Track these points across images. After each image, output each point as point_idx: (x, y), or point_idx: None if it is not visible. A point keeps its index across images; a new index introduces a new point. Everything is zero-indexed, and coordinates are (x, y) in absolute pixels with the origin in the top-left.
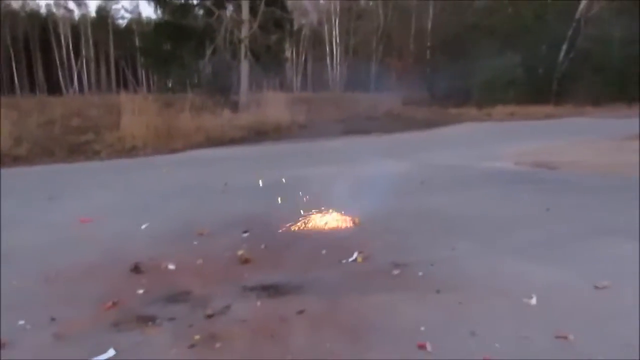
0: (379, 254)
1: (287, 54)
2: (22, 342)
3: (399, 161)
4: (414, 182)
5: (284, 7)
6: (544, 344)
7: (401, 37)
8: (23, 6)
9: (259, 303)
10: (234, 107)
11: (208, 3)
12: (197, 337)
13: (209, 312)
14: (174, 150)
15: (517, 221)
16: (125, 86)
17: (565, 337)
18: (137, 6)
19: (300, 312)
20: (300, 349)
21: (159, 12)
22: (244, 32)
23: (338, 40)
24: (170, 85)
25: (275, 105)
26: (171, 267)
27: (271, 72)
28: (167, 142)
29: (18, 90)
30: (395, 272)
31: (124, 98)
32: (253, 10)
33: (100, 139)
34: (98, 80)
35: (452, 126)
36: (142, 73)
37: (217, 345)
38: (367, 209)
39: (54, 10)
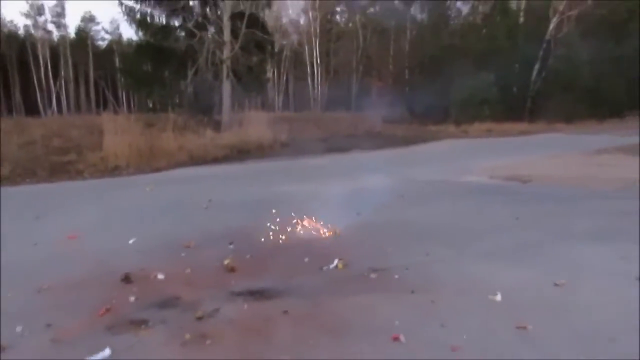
0: (358, 261)
1: (269, 74)
2: (21, 346)
3: (379, 177)
4: (394, 195)
5: (264, 29)
6: (506, 334)
7: (380, 58)
8: (0, 27)
9: (245, 306)
10: (217, 126)
11: (190, 25)
12: (188, 336)
13: (199, 314)
14: (157, 170)
15: (488, 229)
16: (105, 107)
17: (525, 328)
18: (117, 27)
19: (285, 312)
20: (285, 345)
21: (140, 33)
22: (226, 53)
23: (319, 61)
24: (151, 105)
25: (257, 125)
26: (160, 276)
27: (253, 92)
28: (150, 162)
29: None
30: (373, 275)
31: (106, 118)
32: (234, 32)
33: (82, 159)
34: (77, 101)
35: (431, 143)
36: (122, 93)
37: (208, 342)
38: (348, 221)
39: (32, 31)
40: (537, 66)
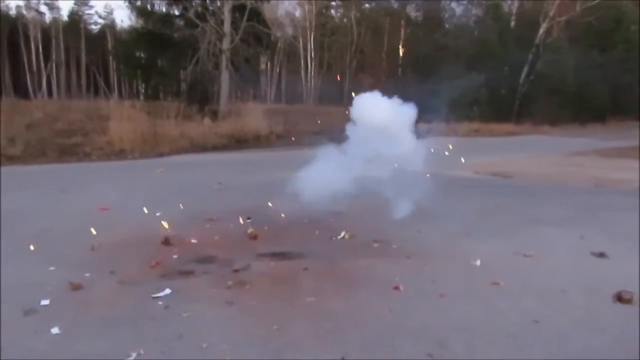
0: (362, 234)
1: (262, 66)
2: (94, 286)
3: (375, 168)
4: (388, 183)
5: (264, 22)
6: (482, 288)
7: (374, 54)
8: None
9: (272, 263)
10: (214, 115)
11: (191, 15)
12: (230, 282)
13: (235, 267)
14: (160, 155)
15: (470, 214)
16: (96, 92)
17: (498, 284)
18: (110, 12)
19: (305, 269)
20: (308, 292)
21: (137, 20)
22: (226, 44)
23: (312, 55)
24: (149, 93)
25: (253, 116)
26: (194, 241)
27: (249, 83)
28: (153, 147)
29: None
30: (376, 245)
31: (109, 104)
32: (234, 24)
33: (89, 142)
34: (68, 86)
35: (421, 140)
36: (114, 80)
37: (247, 287)
38: (348, 202)
39: (25, 12)
40: (525, 69)
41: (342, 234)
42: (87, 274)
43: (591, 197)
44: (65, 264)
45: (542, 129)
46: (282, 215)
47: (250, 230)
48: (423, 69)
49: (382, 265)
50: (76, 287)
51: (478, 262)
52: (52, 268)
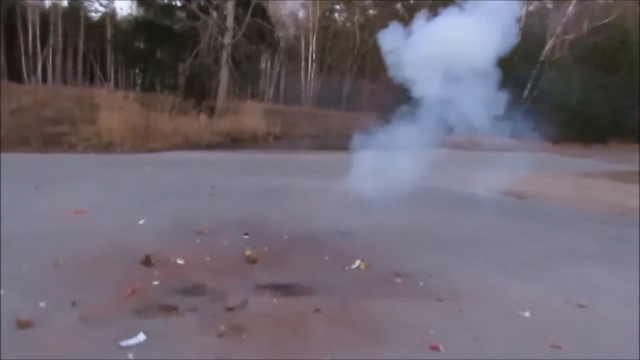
0: (378, 263)
1: (262, 64)
2: (49, 322)
3: (380, 180)
4: (397, 199)
5: (268, 19)
6: (541, 351)
7: (375, 60)
8: None
9: (275, 300)
10: (210, 112)
11: (193, 7)
12: (222, 327)
13: (229, 305)
14: (152, 150)
15: (496, 241)
16: (92, 80)
17: (559, 347)
18: (111, 1)
19: (316, 310)
20: (322, 344)
21: (138, 9)
22: (227, 39)
23: (314, 57)
24: (145, 84)
25: (250, 114)
26: (180, 261)
27: (249, 81)
28: (144, 141)
29: None
30: (398, 280)
31: (101, 93)
32: (237, 19)
33: (76, 132)
34: (64, 72)
35: (422, 148)
36: (111, 69)
37: (244, 335)
38: (359, 221)
39: None
40: (529, 85)
41: (357, 263)
42: (43, 303)
43: (617, 227)
44: (19, 285)
45: (543, 146)
46: (285, 236)
47: (248, 253)
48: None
49: (411, 309)
50: (24, 325)
51: (527, 314)
52: (1, 292)
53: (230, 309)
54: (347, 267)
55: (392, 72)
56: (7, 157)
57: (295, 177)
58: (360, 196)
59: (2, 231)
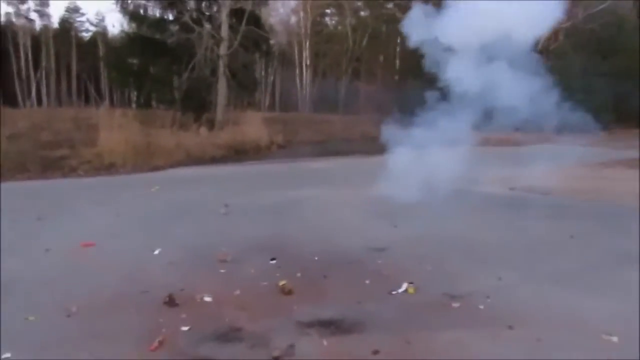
0: (425, 284)
1: (257, 73)
2: None
3: (394, 184)
4: (420, 205)
5: (262, 27)
6: None
7: (370, 61)
8: None
9: (325, 342)
10: (210, 125)
11: (187, 19)
12: None
13: (276, 353)
14: (155, 168)
15: (539, 247)
16: (87, 100)
17: None
18: (102, 19)
19: (375, 352)
20: None
21: (130, 25)
22: (223, 49)
23: (308, 62)
24: (141, 101)
25: (251, 124)
26: (208, 298)
27: (247, 90)
28: (147, 160)
29: None
30: (455, 304)
31: (99, 113)
32: (232, 28)
33: (76, 155)
34: (58, 94)
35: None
36: (105, 87)
37: None
38: (387, 233)
39: (14, 19)
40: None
41: (404, 286)
42: None
43: None
44: (25, 343)
45: (549, 137)
46: (316, 258)
47: (282, 283)
48: (423, 76)
49: (480, 341)
50: None
51: (615, 339)
52: (5, 355)
53: (276, 359)
54: (393, 292)
55: (427, 62)
56: (5, 186)
57: (309, 188)
58: (388, 204)
59: (2, 274)
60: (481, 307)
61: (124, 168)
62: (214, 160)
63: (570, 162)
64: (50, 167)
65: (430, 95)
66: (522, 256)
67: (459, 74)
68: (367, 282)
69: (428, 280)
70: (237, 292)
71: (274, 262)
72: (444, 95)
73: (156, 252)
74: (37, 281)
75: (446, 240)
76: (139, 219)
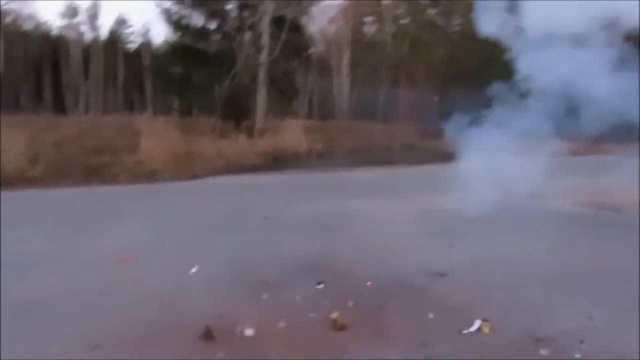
0: (506, 322)
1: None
2: None
3: (439, 196)
4: (476, 221)
5: (303, 35)
6: None
7: (411, 69)
8: (36, 27)
9: None
10: (250, 132)
11: (227, 28)
12: None
13: None
14: (195, 176)
15: (626, 278)
16: (131, 109)
17: None
18: (148, 31)
19: None
20: None
21: (173, 35)
22: (263, 57)
23: (347, 70)
24: (182, 108)
25: (290, 132)
26: (249, 332)
27: (287, 99)
28: (187, 167)
29: (25, 109)
30: (544, 352)
31: (141, 120)
32: (273, 36)
33: (117, 162)
34: (105, 102)
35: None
36: (150, 96)
37: None
38: (444, 255)
39: (66, 32)
40: None
41: (477, 324)
42: None
43: None
44: None
45: (601, 148)
46: (368, 284)
47: (334, 316)
48: (468, 83)
49: None
50: None
51: None
52: None
53: None
54: (464, 331)
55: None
56: (46, 193)
57: (353, 199)
58: (441, 219)
59: (34, 292)
60: (578, 356)
61: (164, 176)
62: (253, 168)
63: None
64: (93, 174)
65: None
66: (609, 288)
67: (537, 68)
68: (431, 316)
69: (503, 316)
70: (282, 324)
71: (321, 286)
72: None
73: (193, 270)
74: (64, 305)
75: (515, 265)
76: (177, 232)
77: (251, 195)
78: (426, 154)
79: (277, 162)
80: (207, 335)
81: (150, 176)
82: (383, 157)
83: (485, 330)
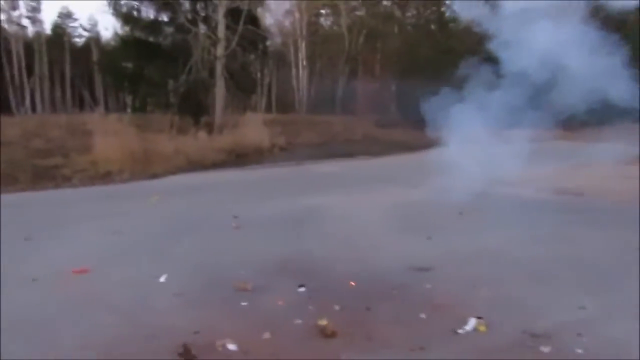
0: (497, 319)
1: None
2: None
3: (408, 188)
4: (448, 212)
5: (259, 26)
6: None
7: (367, 60)
8: None
9: None
10: (209, 128)
11: (181, 20)
12: None
13: None
14: (154, 176)
15: (613, 264)
16: (82, 106)
17: None
18: (95, 25)
19: None
20: None
21: (124, 28)
22: (220, 50)
23: (304, 63)
24: (136, 105)
25: (251, 127)
26: (231, 346)
27: (245, 92)
28: (145, 167)
29: None
30: (545, 349)
31: (93, 118)
32: (229, 29)
33: (69, 163)
34: (52, 100)
35: (434, 149)
36: (101, 93)
37: None
38: (423, 248)
39: (6, 26)
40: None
41: (471, 322)
42: None
43: None
44: None
45: (555, 133)
46: (352, 283)
47: (322, 322)
48: (424, 74)
49: None
50: None
51: None
52: None
53: None
54: (459, 330)
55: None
56: None
57: (322, 195)
58: (414, 212)
59: None
60: (579, 351)
61: (121, 176)
62: (214, 165)
63: (587, 160)
64: (42, 177)
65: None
66: (593, 275)
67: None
68: (423, 315)
69: (496, 312)
70: (267, 335)
71: (302, 289)
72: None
73: (162, 279)
74: (19, 323)
75: (495, 256)
76: (139, 237)
77: (216, 194)
78: (388, 145)
79: (239, 157)
80: (187, 353)
81: (106, 177)
82: (345, 149)
83: (481, 328)
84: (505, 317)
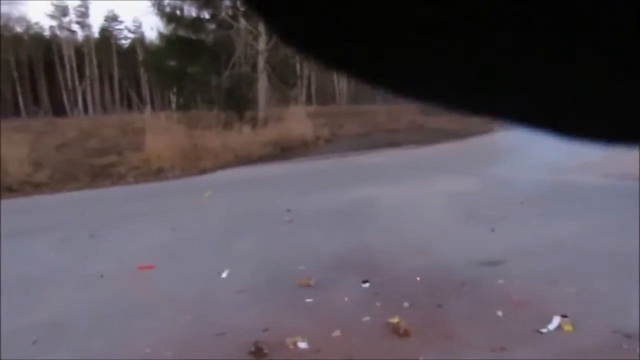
0: (583, 317)
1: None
2: None
3: (461, 176)
4: (509, 202)
5: None
6: None
7: None
8: (27, 29)
9: None
10: (254, 122)
11: (224, 16)
12: None
13: None
14: (203, 171)
15: None
16: (130, 106)
17: None
18: (140, 25)
19: None
20: None
21: (167, 27)
22: (262, 44)
23: None
24: (181, 102)
25: (294, 120)
26: (302, 344)
27: (287, 85)
28: (195, 162)
29: (24, 114)
30: None
31: (143, 117)
32: None
33: (123, 161)
34: (102, 101)
35: (484, 136)
36: (147, 92)
37: None
38: (490, 242)
39: (58, 32)
40: None
41: (556, 321)
42: None
43: None
44: None
45: None
46: (418, 279)
47: (394, 321)
48: None
49: None
50: None
51: None
52: None
53: None
54: (542, 330)
55: None
56: (55, 199)
57: (373, 186)
58: (471, 202)
59: (51, 309)
60: None
61: (172, 172)
62: (261, 158)
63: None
64: (100, 175)
65: None
66: None
67: None
68: (499, 313)
69: (580, 309)
70: (337, 332)
71: (367, 285)
72: None
73: (224, 274)
74: (90, 319)
75: (569, 248)
76: (197, 232)
77: (265, 188)
78: (434, 133)
79: (284, 151)
80: (258, 352)
81: (159, 173)
82: (391, 139)
83: (567, 328)
84: (591, 315)
